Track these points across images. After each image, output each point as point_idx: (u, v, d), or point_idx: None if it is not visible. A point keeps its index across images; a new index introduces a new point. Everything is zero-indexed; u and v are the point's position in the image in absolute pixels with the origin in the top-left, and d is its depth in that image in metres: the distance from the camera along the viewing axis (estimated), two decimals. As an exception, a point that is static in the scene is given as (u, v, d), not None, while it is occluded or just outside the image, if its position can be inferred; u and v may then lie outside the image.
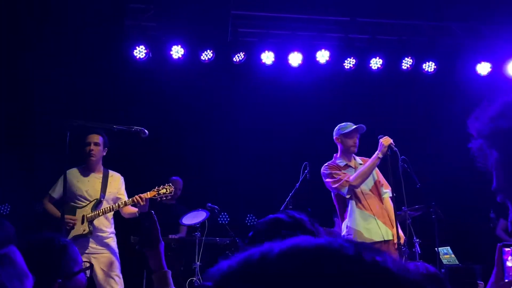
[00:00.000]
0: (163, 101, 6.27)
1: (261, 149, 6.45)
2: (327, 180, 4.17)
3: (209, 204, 5.16)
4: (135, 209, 4.11)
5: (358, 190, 4.10)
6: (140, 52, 5.83)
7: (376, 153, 4.02)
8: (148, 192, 4.01)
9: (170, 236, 5.24)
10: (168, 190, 4.03)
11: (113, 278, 4.01)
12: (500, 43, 6.14)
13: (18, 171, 4.90)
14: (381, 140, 4.03)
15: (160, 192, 4.02)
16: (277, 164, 6.43)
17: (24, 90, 5.31)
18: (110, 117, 4.75)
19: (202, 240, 4.99)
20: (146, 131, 4.16)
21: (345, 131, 4.21)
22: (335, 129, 4.32)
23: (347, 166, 4.22)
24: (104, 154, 4.26)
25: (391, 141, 4.00)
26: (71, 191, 4.13)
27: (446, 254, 5.64)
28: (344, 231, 4.07)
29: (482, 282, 5.04)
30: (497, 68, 6.33)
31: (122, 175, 4.38)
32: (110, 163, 4.40)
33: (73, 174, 4.21)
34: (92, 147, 4.16)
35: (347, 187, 4.03)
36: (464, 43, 6.30)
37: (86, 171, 4.24)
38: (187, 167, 6.24)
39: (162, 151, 6.27)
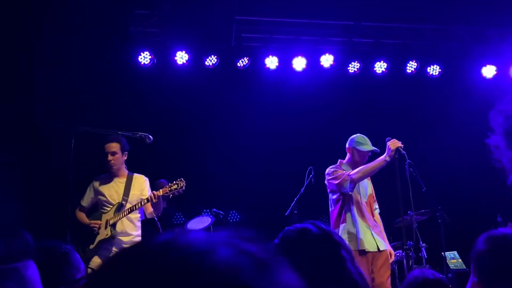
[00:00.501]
0: (167, 106, 6.28)
1: (266, 153, 6.44)
2: (330, 178, 4.17)
3: (214, 210, 5.15)
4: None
5: (358, 200, 4.11)
6: (144, 58, 5.86)
7: (383, 155, 3.96)
8: (160, 189, 4.07)
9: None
10: (179, 185, 4.06)
11: None
12: (505, 46, 6.11)
13: (21, 175, 4.91)
14: (388, 143, 3.97)
15: (172, 188, 4.05)
16: (282, 169, 6.41)
17: (30, 96, 5.34)
18: (115, 122, 4.76)
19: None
20: (150, 137, 4.17)
21: (360, 148, 4.18)
22: (350, 138, 4.29)
23: None
24: (125, 158, 4.28)
25: (400, 144, 3.93)
26: (98, 198, 4.26)
27: (453, 259, 5.59)
28: (345, 236, 4.04)
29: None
30: (503, 71, 6.30)
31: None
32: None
33: (99, 181, 4.31)
34: (110, 157, 4.20)
35: (348, 182, 4.02)
36: (469, 46, 6.28)
37: (110, 177, 4.31)
38: (191, 171, 6.24)
39: (167, 156, 6.27)
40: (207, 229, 5.00)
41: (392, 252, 4.24)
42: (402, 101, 6.54)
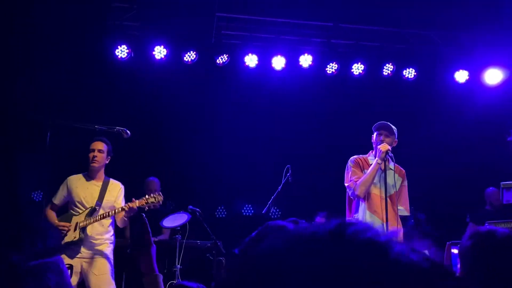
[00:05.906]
0: (145, 101, 6.22)
1: (244, 151, 6.45)
2: (346, 172, 4.18)
3: (191, 207, 5.12)
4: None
5: (374, 194, 4.05)
6: (121, 51, 5.76)
7: (375, 159, 4.06)
8: (137, 201, 4.06)
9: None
10: (156, 199, 4.09)
11: (105, 281, 4.03)
12: (478, 51, 6.29)
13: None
14: (379, 146, 4.08)
15: (149, 201, 4.08)
16: (259, 167, 6.44)
17: (6, 88, 5.19)
18: (91, 116, 4.69)
19: (183, 243, 4.95)
20: (128, 131, 4.13)
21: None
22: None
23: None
24: (107, 162, 4.26)
25: (388, 147, 4.03)
26: (71, 198, 4.18)
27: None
28: None
29: None
30: (475, 76, 6.49)
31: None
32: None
33: (74, 181, 4.23)
34: (96, 153, 4.16)
35: (353, 192, 4.08)
36: (443, 51, 6.44)
37: (86, 178, 4.25)
38: (169, 167, 6.19)
39: (144, 151, 6.20)
40: (183, 226, 4.97)
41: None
42: (378, 103, 6.66)
